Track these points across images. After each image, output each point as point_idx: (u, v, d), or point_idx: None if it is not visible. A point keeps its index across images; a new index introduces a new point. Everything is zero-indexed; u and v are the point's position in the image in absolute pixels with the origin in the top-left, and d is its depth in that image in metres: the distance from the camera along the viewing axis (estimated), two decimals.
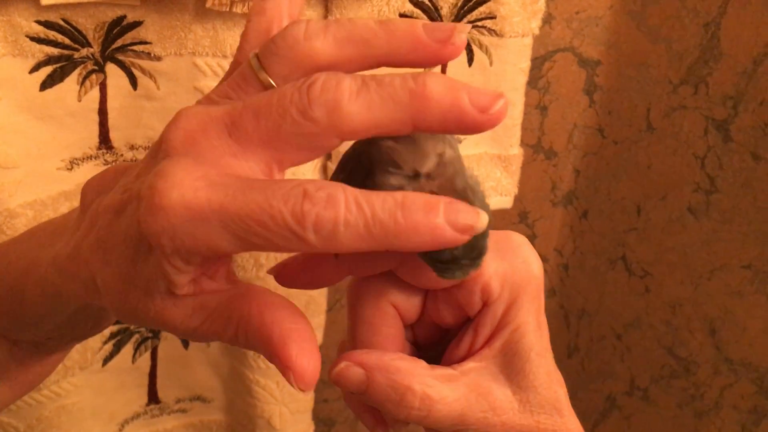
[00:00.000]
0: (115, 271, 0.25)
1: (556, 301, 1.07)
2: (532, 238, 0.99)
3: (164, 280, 0.24)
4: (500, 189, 0.71)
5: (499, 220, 0.94)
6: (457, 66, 0.65)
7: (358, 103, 0.23)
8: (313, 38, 0.24)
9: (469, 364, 0.30)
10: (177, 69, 0.57)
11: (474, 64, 0.65)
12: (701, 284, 0.89)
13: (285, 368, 0.23)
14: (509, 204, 0.73)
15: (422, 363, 0.29)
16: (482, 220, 0.23)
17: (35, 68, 0.54)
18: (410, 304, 0.31)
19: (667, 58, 0.83)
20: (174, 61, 0.57)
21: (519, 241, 0.30)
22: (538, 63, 0.84)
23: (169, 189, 0.22)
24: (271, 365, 0.32)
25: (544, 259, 1.02)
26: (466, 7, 0.62)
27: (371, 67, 0.26)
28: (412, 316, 0.31)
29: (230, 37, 0.56)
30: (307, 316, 0.26)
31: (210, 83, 0.58)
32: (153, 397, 0.76)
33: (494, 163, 0.71)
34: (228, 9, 0.54)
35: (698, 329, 0.91)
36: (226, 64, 0.58)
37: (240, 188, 0.22)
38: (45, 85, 0.54)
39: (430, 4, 0.61)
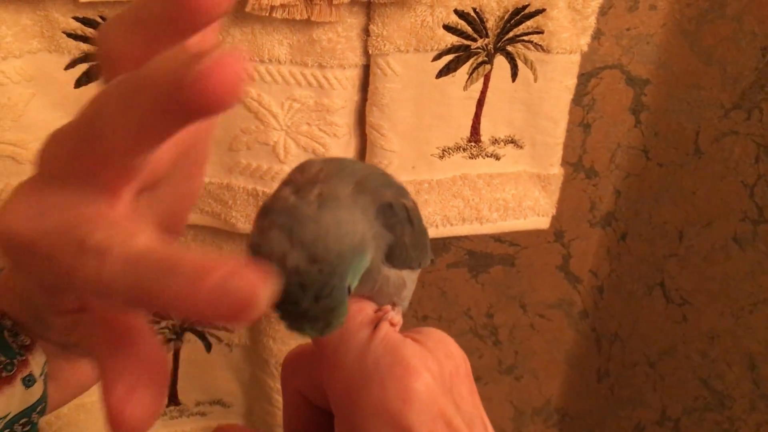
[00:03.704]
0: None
1: (588, 324, 1.04)
2: (567, 258, 0.96)
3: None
4: (538, 209, 0.69)
5: (534, 238, 0.92)
6: (500, 80, 0.63)
7: (112, 106, 0.20)
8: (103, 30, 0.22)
9: None
10: None
11: (518, 79, 0.63)
12: (742, 317, 0.86)
13: (107, 407, 0.21)
14: (546, 225, 0.71)
15: None
16: (260, 295, 0.18)
17: (71, 65, 0.53)
18: (318, 394, 0.30)
19: (720, 80, 0.79)
20: None
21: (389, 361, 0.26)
22: (584, 79, 0.81)
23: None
24: None
25: (578, 280, 0.99)
26: (513, 21, 0.60)
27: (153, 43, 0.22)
28: (327, 406, 0.30)
29: (268, 42, 0.55)
30: None
31: (246, 87, 0.57)
32: (173, 398, 0.76)
33: (533, 182, 0.68)
34: (268, 14, 0.53)
35: (736, 362, 0.88)
36: (264, 69, 0.56)
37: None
38: (80, 82, 0.54)
39: (475, 16, 0.59)
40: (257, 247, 0.22)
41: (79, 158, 0.21)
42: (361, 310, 0.28)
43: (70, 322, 0.25)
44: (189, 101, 0.18)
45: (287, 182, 0.25)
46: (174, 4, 0.20)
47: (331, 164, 0.26)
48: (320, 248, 0.22)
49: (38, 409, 0.35)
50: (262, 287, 0.18)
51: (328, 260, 0.22)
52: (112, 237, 0.20)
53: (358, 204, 0.25)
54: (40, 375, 0.35)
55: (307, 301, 0.22)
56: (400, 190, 0.28)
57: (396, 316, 0.28)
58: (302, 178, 0.25)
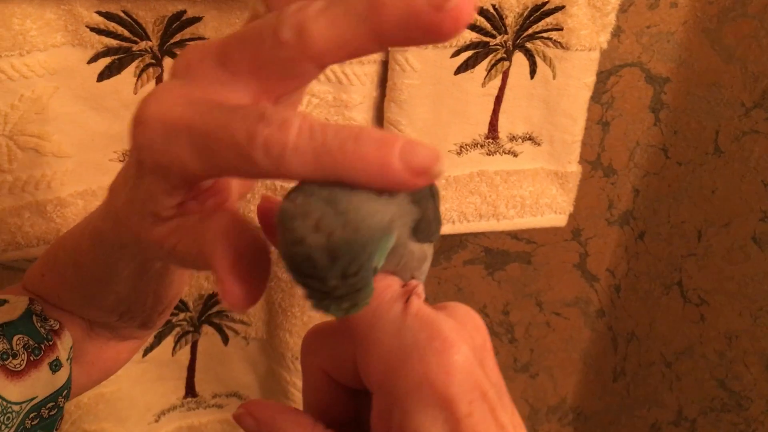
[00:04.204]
0: (123, 199, 0.27)
1: (605, 322, 1.04)
2: (584, 256, 0.96)
3: (151, 201, 0.25)
4: (555, 206, 0.69)
5: (552, 236, 0.92)
6: (518, 77, 0.63)
7: (322, 21, 0.21)
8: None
9: None
10: None
11: (536, 76, 0.63)
12: (760, 317, 0.85)
13: (218, 280, 0.23)
14: (563, 222, 0.71)
15: None
16: (440, 166, 0.21)
17: (94, 59, 0.54)
18: (343, 372, 0.30)
19: (741, 79, 0.79)
20: None
21: (441, 331, 0.27)
22: (603, 77, 0.81)
23: (150, 104, 0.23)
24: None
25: (594, 278, 0.99)
26: (532, 17, 0.60)
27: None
28: (352, 384, 0.30)
29: None
30: None
31: None
32: (190, 390, 0.76)
33: (550, 180, 0.68)
34: None
35: (754, 363, 0.87)
36: None
37: (211, 108, 0.22)
38: (102, 76, 0.54)
39: (494, 13, 0.59)
40: (290, 211, 0.22)
41: (237, 66, 0.23)
42: (389, 286, 0.28)
43: (167, 230, 0.26)
44: (441, 23, 0.20)
45: None
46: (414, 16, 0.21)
47: None
48: (353, 218, 0.22)
49: (64, 393, 0.35)
50: (439, 157, 0.21)
51: (361, 232, 0.22)
52: (287, 112, 0.22)
53: None
54: (67, 359, 0.36)
55: (334, 278, 0.22)
56: None
57: (421, 288, 0.28)
58: None
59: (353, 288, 0.23)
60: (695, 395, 0.95)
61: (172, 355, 0.72)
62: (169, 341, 0.71)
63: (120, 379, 0.69)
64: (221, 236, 0.23)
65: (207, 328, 0.72)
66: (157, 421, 0.76)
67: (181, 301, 0.69)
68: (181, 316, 0.70)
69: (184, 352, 0.73)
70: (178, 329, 0.71)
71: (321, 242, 0.21)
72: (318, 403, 0.31)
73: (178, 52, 0.55)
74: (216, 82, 0.23)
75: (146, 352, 0.70)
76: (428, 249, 0.29)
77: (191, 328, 0.72)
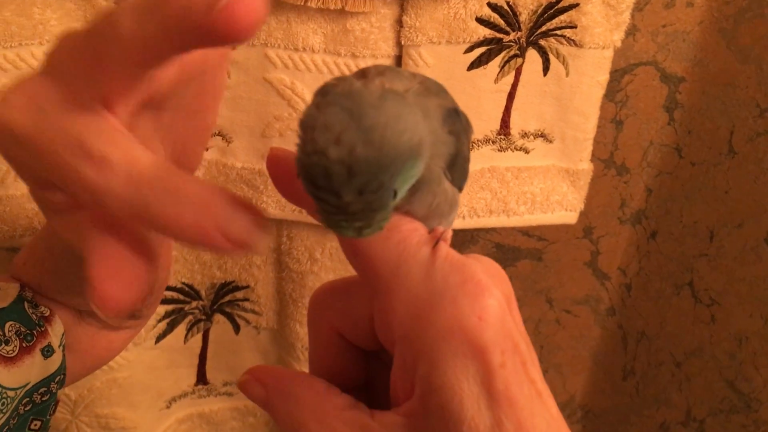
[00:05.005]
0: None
1: (615, 321, 1.04)
2: (595, 255, 0.96)
3: (31, 193, 0.24)
4: (566, 204, 0.69)
5: (563, 234, 0.92)
6: (531, 74, 0.63)
7: (129, 17, 0.20)
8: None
9: (391, 417, 0.25)
10: (248, 59, 0.57)
11: (549, 73, 0.63)
12: None
13: (85, 277, 0.21)
14: (573, 220, 0.71)
15: (336, 399, 0.26)
16: (260, 238, 0.20)
17: None
18: (357, 331, 0.28)
19: (756, 80, 0.78)
20: (245, 51, 0.57)
21: (478, 284, 0.25)
22: (617, 75, 0.81)
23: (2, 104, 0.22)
24: None
25: (606, 276, 0.99)
26: (546, 15, 0.60)
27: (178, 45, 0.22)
28: (366, 344, 0.28)
29: (303, 31, 0.56)
30: None
31: (280, 75, 0.58)
32: (201, 377, 0.77)
33: (561, 177, 0.68)
34: (303, 3, 0.54)
35: (764, 365, 0.87)
36: (298, 57, 0.57)
37: (50, 120, 0.21)
38: None
39: (508, 9, 0.59)
40: (313, 120, 0.21)
41: (84, 59, 0.21)
42: (416, 230, 0.26)
43: (62, 223, 0.24)
44: (214, 24, 0.18)
45: (349, 76, 0.24)
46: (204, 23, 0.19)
47: (393, 69, 0.25)
48: (377, 136, 0.20)
49: (57, 380, 0.35)
50: (259, 227, 0.20)
51: (384, 150, 0.20)
52: (112, 148, 0.20)
53: (423, 106, 0.23)
54: (59, 346, 0.36)
55: (350, 193, 0.21)
56: (456, 105, 0.27)
57: (449, 233, 0.27)
58: (368, 71, 0.24)
59: (369, 207, 0.21)
60: (704, 396, 0.95)
61: (184, 342, 0.73)
62: (181, 329, 0.72)
63: (132, 364, 0.70)
64: (92, 229, 0.22)
65: (219, 317, 0.73)
66: (168, 407, 0.77)
67: (193, 289, 0.70)
68: (194, 304, 0.71)
69: (196, 340, 0.74)
70: (190, 317, 0.72)
71: (340, 156, 0.20)
72: (328, 366, 0.29)
73: None
74: (66, 77, 0.22)
75: (159, 339, 0.71)
76: (458, 196, 0.28)
77: (203, 317, 0.73)
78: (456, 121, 0.25)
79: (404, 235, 0.26)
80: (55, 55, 0.22)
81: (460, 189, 0.28)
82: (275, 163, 0.26)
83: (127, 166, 0.20)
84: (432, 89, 0.25)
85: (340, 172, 0.20)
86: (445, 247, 0.26)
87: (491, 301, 0.24)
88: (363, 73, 0.25)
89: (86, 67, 0.21)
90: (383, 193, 0.21)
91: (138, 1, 0.20)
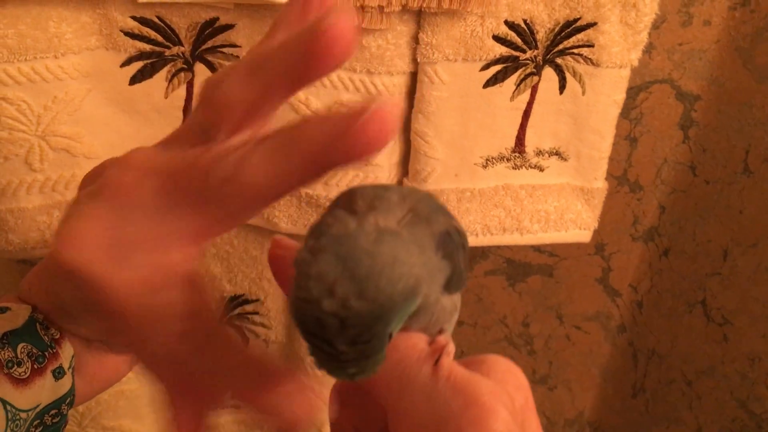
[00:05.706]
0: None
1: (626, 338, 1.03)
2: (606, 271, 0.95)
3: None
4: (579, 222, 0.68)
5: (575, 250, 0.91)
6: (547, 92, 0.62)
7: (258, 157, 0.21)
8: (222, 80, 0.23)
9: None
10: None
11: (565, 92, 0.63)
12: None
13: None
14: (587, 238, 0.70)
15: None
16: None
17: (126, 62, 0.54)
18: (373, 427, 0.28)
19: None
20: None
21: (480, 395, 0.24)
22: (632, 93, 0.80)
23: (68, 247, 0.23)
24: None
25: (617, 293, 0.98)
26: (563, 33, 0.60)
27: (285, 92, 0.23)
28: None
29: None
30: None
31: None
32: None
33: (576, 195, 0.68)
34: None
35: None
36: None
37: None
38: (134, 79, 0.55)
39: (525, 27, 0.59)
40: (307, 266, 0.21)
41: (177, 196, 0.22)
42: (414, 347, 0.25)
43: (105, 326, 0.25)
44: (351, 146, 0.20)
45: (341, 205, 0.24)
46: (302, 53, 0.21)
47: (383, 190, 0.25)
48: (371, 287, 0.20)
49: (67, 401, 0.35)
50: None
51: (378, 301, 0.20)
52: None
53: (416, 237, 0.23)
54: (69, 368, 0.36)
55: (343, 343, 0.21)
56: (447, 211, 0.27)
57: (451, 345, 0.26)
58: (358, 205, 0.24)
59: (362, 355, 0.21)
60: (715, 415, 0.94)
61: None
62: None
63: (140, 377, 0.70)
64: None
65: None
66: None
67: None
68: None
69: None
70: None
71: (333, 308, 0.20)
72: None
73: (210, 58, 0.56)
74: (156, 213, 0.22)
75: None
76: (457, 298, 0.28)
77: None
78: (449, 243, 0.25)
79: (403, 355, 0.25)
80: (122, 184, 0.23)
81: (464, 284, 0.28)
82: (276, 262, 0.26)
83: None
84: (423, 214, 0.24)
85: (333, 323, 0.20)
86: (447, 364, 0.25)
87: (497, 425, 0.23)
88: (350, 202, 0.24)
89: (180, 203, 0.22)
90: (377, 342, 0.21)
91: (267, 144, 0.20)
